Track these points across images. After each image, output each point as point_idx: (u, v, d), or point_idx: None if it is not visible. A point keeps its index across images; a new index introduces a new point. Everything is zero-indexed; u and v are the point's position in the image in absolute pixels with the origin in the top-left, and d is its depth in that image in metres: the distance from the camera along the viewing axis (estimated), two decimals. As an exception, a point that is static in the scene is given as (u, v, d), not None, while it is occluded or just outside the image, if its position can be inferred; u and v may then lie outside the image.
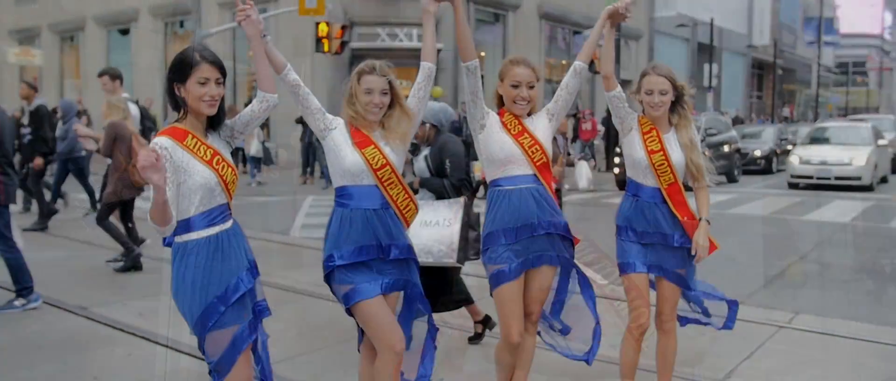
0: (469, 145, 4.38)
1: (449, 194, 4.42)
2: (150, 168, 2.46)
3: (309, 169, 15.94)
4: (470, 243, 4.35)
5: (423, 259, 4.14)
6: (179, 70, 2.70)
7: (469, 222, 4.35)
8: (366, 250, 2.97)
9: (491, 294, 3.34)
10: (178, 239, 2.70)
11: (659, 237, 3.41)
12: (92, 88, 24.56)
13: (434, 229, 4.29)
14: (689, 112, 3.48)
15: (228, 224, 2.76)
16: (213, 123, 2.81)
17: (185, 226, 2.69)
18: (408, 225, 3.12)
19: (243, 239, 2.83)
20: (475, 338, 4.79)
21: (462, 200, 4.39)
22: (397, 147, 3.08)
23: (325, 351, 4.63)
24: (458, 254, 4.26)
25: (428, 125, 4.51)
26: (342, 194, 3.03)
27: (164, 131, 2.72)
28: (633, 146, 3.43)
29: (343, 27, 15.97)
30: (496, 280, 3.27)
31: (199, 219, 2.69)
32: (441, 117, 4.61)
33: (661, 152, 3.37)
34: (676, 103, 3.45)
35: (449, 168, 4.42)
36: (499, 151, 3.25)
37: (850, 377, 4.32)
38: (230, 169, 2.76)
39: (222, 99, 2.79)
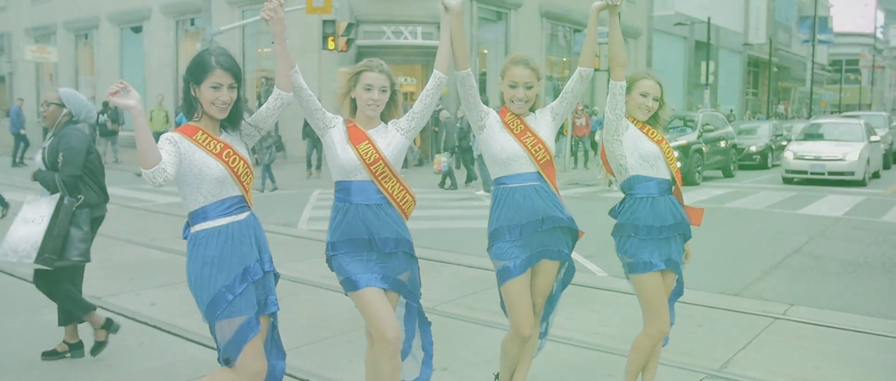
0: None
1: (60, 190, 4.10)
2: (118, 95, 2.53)
3: (315, 163, 16.05)
4: (73, 243, 4.06)
5: (11, 258, 4.03)
6: (195, 72, 2.75)
7: (73, 222, 4.07)
8: (358, 244, 3.02)
9: (499, 289, 3.38)
10: (193, 229, 2.77)
11: (668, 231, 3.35)
12: (106, 84, 24.71)
13: (30, 226, 4.05)
14: (660, 125, 3.47)
15: (243, 216, 2.81)
16: (230, 123, 2.86)
17: (201, 215, 2.76)
18: (407, 217, 3.14)
19: (259, 231, 2.88)
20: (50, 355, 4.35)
21: (57, 197, 4.09)
22: (395, 141, 3.10)
23: (332, 340, 4.70)
24: (40, 255, 3.97)
25: (64, 110, 4.23)
26: (340, 190, 3.09)
27: (177, 129, 2.79)
28: (639, 140, 3.35)
29: (349, 25, 16.04)
30: (503, 276, 3.29)
31: (212, 208, 2.75)
32: (79, 106, 4.28)
33: (664, 141, 3.40)
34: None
35: (61, 162, 4.12)
36: (500, 151, 3.26)
37: (843, 367, 4.39)
38: (242, 162, 2.81)
39: (238, 101, 2.82)
